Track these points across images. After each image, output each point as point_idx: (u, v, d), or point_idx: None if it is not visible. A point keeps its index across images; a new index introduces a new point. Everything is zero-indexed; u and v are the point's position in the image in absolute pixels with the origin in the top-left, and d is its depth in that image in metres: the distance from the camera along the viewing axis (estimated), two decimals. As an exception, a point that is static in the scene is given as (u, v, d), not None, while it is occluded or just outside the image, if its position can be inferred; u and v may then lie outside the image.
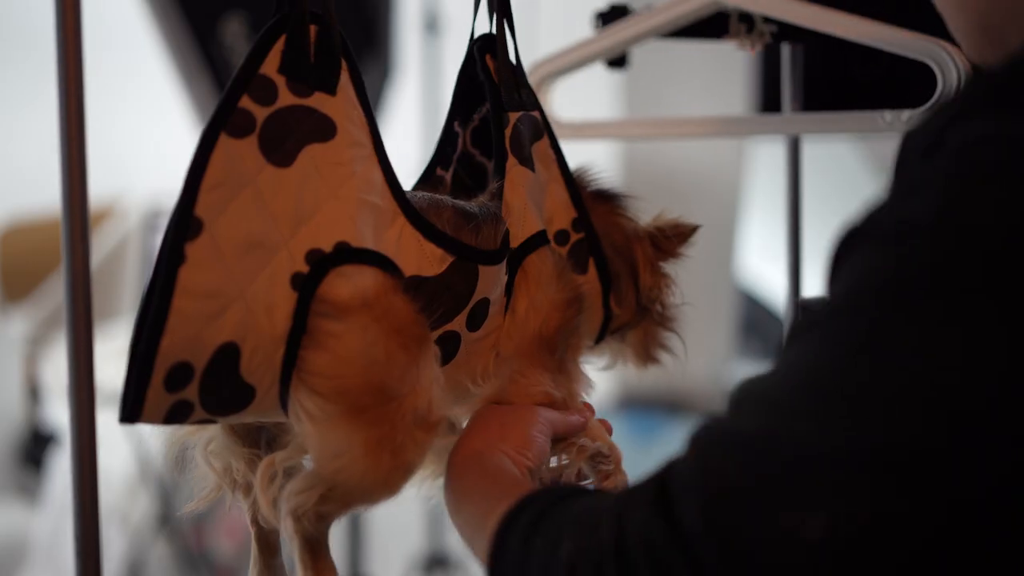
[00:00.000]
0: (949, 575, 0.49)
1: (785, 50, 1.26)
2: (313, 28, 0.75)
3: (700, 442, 0.56)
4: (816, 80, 1.25)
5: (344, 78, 0.76)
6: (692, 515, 0.52)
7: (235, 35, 2.55)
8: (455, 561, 2.89)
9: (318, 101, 0.74)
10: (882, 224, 0.55)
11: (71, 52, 0.81)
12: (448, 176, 0.92)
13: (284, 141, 0.72)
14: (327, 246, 0.72)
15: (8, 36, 4.02)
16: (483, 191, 0.89)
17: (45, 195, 3.61)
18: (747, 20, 1.10)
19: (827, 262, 0.57)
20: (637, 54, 1.18)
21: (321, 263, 0.72)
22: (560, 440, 0.84)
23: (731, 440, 0.54)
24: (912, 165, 0.56)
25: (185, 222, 0.68)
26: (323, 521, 0.75)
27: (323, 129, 0.74)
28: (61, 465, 2.96)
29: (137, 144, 3.89)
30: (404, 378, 0.72)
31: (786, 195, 1.31)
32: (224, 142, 0.70)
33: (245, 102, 0.72)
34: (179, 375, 0.68)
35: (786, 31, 1.10)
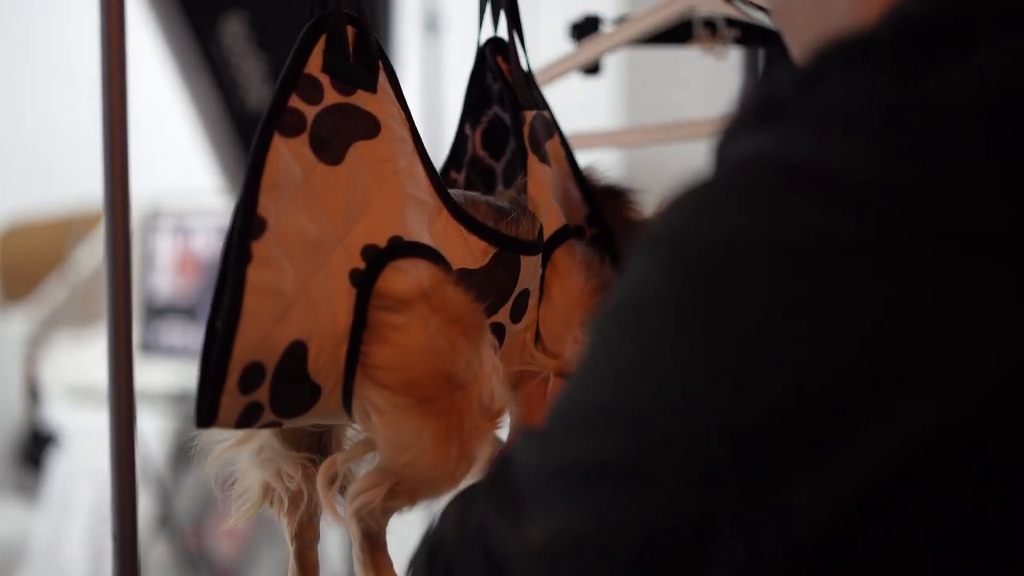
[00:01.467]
0: None
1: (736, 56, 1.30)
2: (351, 29, 0.76)
3: (497, 462, 0.60)
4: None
5: (382, 76, 0.77)
6: (471, 522, 0.59)
7: (235, 35, 2.55)
8: (455, 561, 2.88)
9: (361, 99, 0.75)
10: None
11: (115, 60, 0.81)
12: (461, 179, 0.93)
13: (332, 139, 0.73)
14: (381, 241, 0.73)
15: (11, 37, 4.02)
16: (492, 192, 0.90)
17: (45, 195, 3.63)
18: (710, 25, 1.15)
19: None
20: (638, 62, 1.20)
21: (377, 258, 0.72)
22: None
23: (504, 460, 0.58)
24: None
25: (250, 221, 0.68)
26: (386, 515, 0.76)
27: (368, 126, 0.75)
28: (60, 465, 2.97)
29: (137, 144, 3.89)
30: (469, 366, 0.73)
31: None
32: (278, 142, 0.71)
33: (295, 101, 0.72)
34: (252, 376, 0.68)
35: (748, 35, 1.13)
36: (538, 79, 1.20)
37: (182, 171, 3.12)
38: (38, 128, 3.96)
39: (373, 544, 0.76)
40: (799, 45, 0.63)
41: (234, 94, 2.56)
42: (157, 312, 3.09)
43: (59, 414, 3.10)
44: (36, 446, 3.40)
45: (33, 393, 3.39)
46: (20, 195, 3.74)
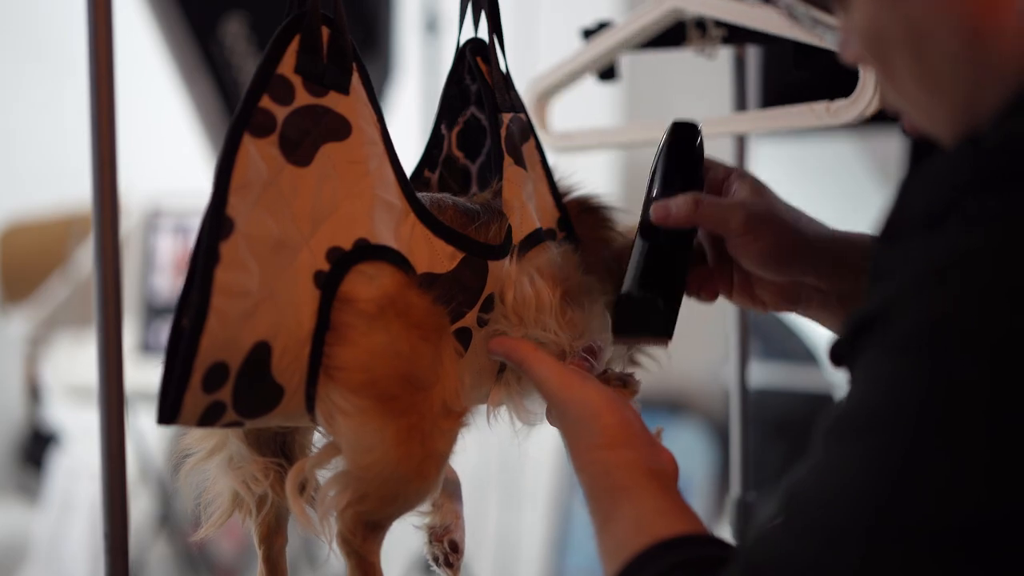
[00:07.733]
0: None
1: (730, 55, 1.30)
2: (325, 30, 0.76)
3: (753, 561, 0.56)
4: (769, 86, 1.31)
5: (355, 78, 0.77)
6: None
7: (235, 35, 2.55)
8: (455, 561, 2.89)
9: (333, 101, 0.75)
10: (900, 325, 0.53)
11: (102, 59, 0.80)
12: (434, 178, 0.93)
13: (302, 140, 0.73)
14: (347, 244, 0.73)
15: (10, 37, 4.02)
16: (467, 193, 0.90)
17: (45, 195, 3.62)
18: (701, 27, 1.16)
19: (842, 345, 0.57)
20: (636, 67, 1.21)
21: (342, 261, 0.73)
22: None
23: (784, 565, 0.54)
24: (915, 235, 0.54)
25: (218, 222, 0.68)
26: (369, 533, 0.75)
27: (339, 128, 0.75)
28: (61, 465, 2.97)
29: (137, 144, 3.89)
30: (431, 368, 0.74)
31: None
32: (248, 142, 0.71)
33: (265, 102, 0.72)
34: (216, 375, 0.68)
35: (733, 35, 1.15)
36: (545, 83, 1.20)
37: (182, 171, 3.12)
38: (38, 128, 3.96)
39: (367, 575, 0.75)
40: (951, 112, 0.59)
41: (234, 94, 2.56)
42: (157, 312, 3.09)
43: (59, 414, 3.10)
44: (37, 446, 3.39)
45: (34, 393, 3.39)
46: (20, 195, 3.73)
